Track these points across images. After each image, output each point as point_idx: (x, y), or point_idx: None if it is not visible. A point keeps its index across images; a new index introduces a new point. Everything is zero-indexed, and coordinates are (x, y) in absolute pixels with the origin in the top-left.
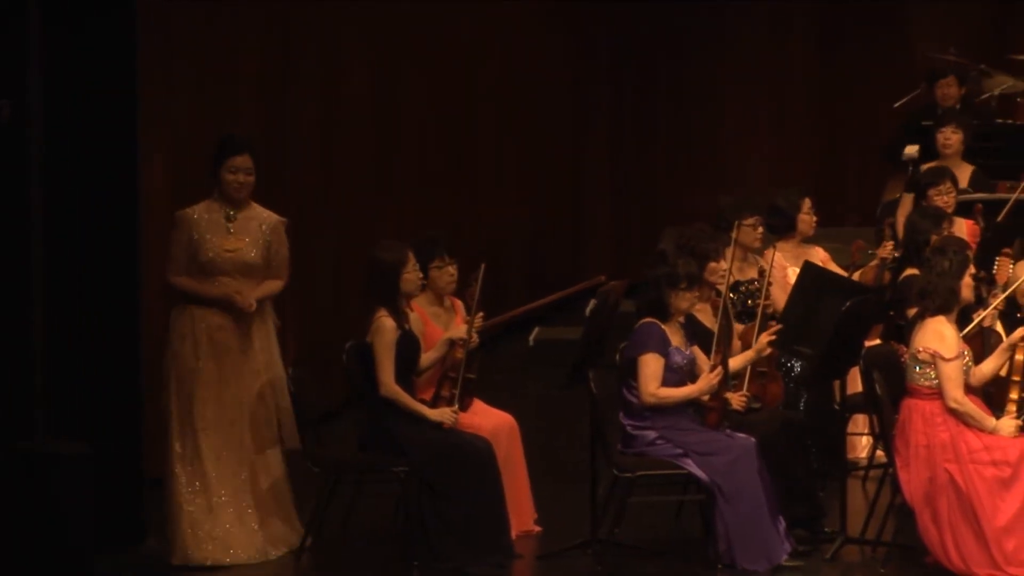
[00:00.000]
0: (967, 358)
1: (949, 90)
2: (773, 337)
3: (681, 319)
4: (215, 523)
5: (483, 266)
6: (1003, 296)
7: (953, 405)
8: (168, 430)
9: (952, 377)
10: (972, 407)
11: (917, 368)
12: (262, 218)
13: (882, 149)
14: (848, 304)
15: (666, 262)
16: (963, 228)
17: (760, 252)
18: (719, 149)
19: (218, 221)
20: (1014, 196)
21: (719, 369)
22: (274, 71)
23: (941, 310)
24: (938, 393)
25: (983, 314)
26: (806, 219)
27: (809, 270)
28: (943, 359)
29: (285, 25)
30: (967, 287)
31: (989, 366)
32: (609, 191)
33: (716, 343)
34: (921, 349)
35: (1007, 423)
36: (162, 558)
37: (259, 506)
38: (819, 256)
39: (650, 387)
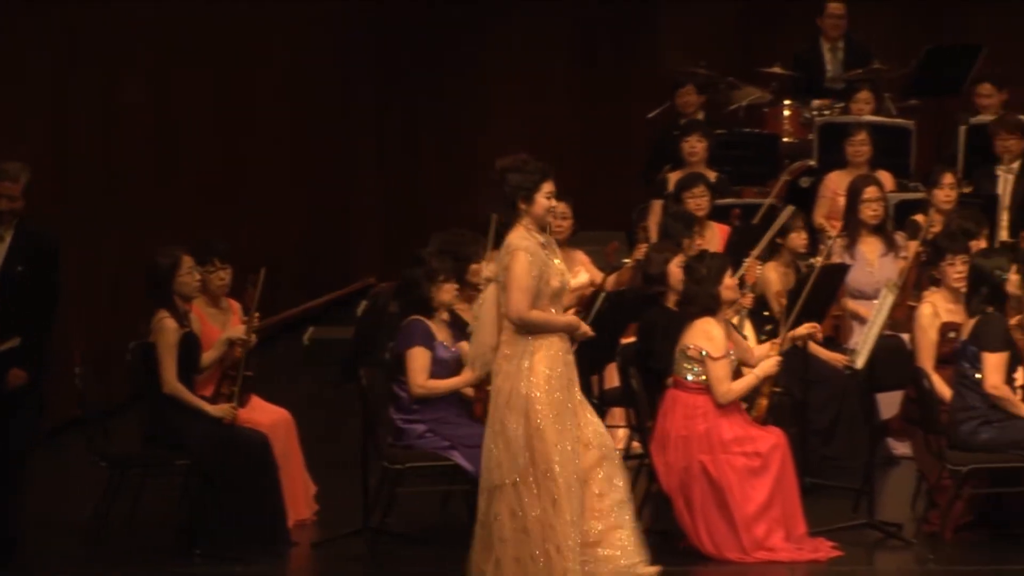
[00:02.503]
0: (733, 356)
1: (689, 98)
2: None
3: (445, 316)
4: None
5: (263, 270)
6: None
7: (723, 400)
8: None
9: (719, 376)
10: (740, 391)
11: (685, 363)
12: (555, 243)
13: (644, 174)
14: (599, 305)
15: (422, 261)
16: (716, 232)
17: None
18: (482, 156)
19: (544, 249)
20: (767, 201)
21: None
22: (57, 80)
23: (706, 313)
24: (702, 388)
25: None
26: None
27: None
28: (711, 358)
29: (68, 34)
30: (728, 289)
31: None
32: (378, 197)
33: None
34: (691, 346)
35: (762, 349)
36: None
37: None
38: (580, 259)
39: (418, 379)
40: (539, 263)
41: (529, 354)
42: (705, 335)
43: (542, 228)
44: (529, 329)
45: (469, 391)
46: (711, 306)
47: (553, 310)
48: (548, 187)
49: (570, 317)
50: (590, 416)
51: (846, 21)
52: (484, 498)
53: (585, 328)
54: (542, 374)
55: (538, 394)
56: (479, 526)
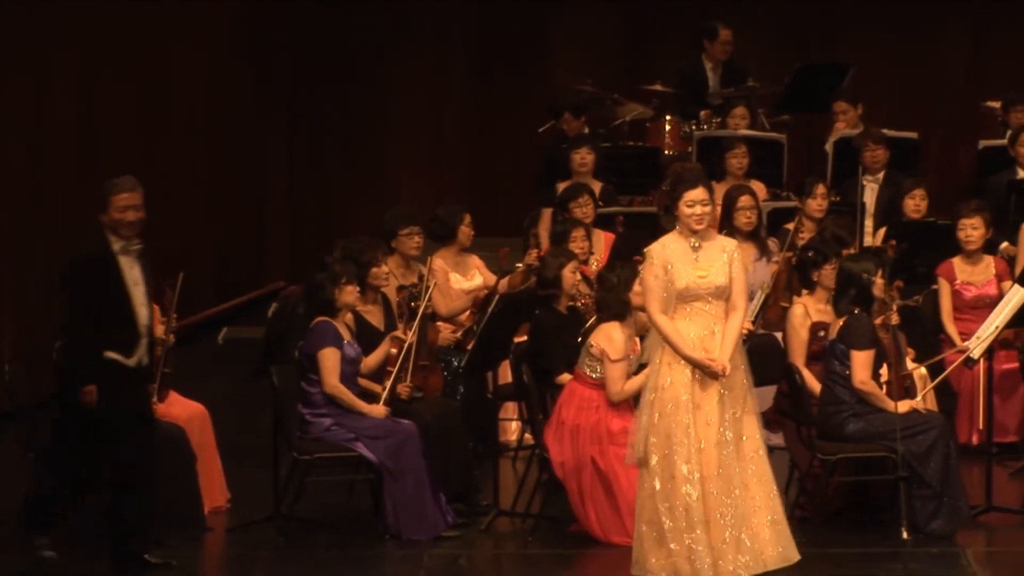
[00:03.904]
0: (632, 358)
1: (571, 124)
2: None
3: (349, 317)
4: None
5: (181, 274)
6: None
7: (616, 399)
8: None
9: (615, 376)
10: (632, 391)
11: (587, 360)
12: (723, 245)
13: (535, 187)
14: (494, 307)
15: (326, 266)
16: (601, 238)
17: (422, 259)
18: (384, 167)
19: (685, 251)
20: (639, 208)
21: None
22: None
23: (617, 318)
24: (599, 384)
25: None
26: (465, 231)
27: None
28: (610, 359)
29: None
30: (637, 296)
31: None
32: (288, 206)
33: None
34: (594, 345)
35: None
36: None
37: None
38: (475, 263)
39: (331, 380)
40: (662, 264)
41: (662, 350)
42: (607, 338)
43: (693, 232)
44: (657, 330)
45: (375, 386)
46: (621, 312)
47: (693, 306)
48: (691, 195)
49: (699, 356)
50: (717, 421)
51: (733, 46)
52: None
53: (716, 367)
54: (667, 370)
55: (664, 387)
56: None
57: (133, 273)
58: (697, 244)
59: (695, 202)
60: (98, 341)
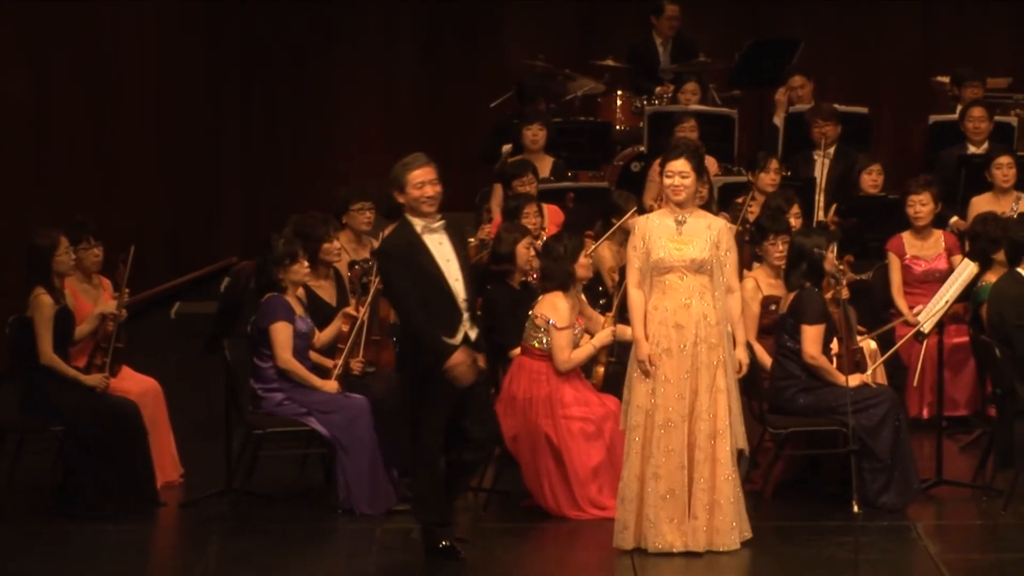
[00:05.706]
0: (577, 329)
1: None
2: None
3: (300, 291)
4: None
5: (132, 248)
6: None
7: (563, 368)
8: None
9: (561, 344)
10: (579, 359)
11: (533, 331)
12: (709, 222)
13: (480, 151)
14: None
15: (269, 246)
16: (548, 214)
17: (374, 234)
18: (335, 143)
19: (669, 225)
20: (590, 183)
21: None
22: None
23: (560, 288)
24: (546, 355)
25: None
26: None
27: None
28: (556, 328)
29: None
30: (582, 267)
31: (580, 354)
32: (240, 181)
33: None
34: (539, 315)
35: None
36: None
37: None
38: None
39: (283, 354)
40: (641, 236)
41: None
42: (552, 307)
43: (678, 205)
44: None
45: (327, 361)
46: (566, 282)
47: (667, 279)
48: (670, 166)
49: (642, 347)
50: (688, 395)
51: (680, 21)
52: None
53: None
54: (643, 343)
55: (636, 354)
56: None
57: (443, 250)
58: (682, 219)
59: (673, 173)
60: (430, 319)
